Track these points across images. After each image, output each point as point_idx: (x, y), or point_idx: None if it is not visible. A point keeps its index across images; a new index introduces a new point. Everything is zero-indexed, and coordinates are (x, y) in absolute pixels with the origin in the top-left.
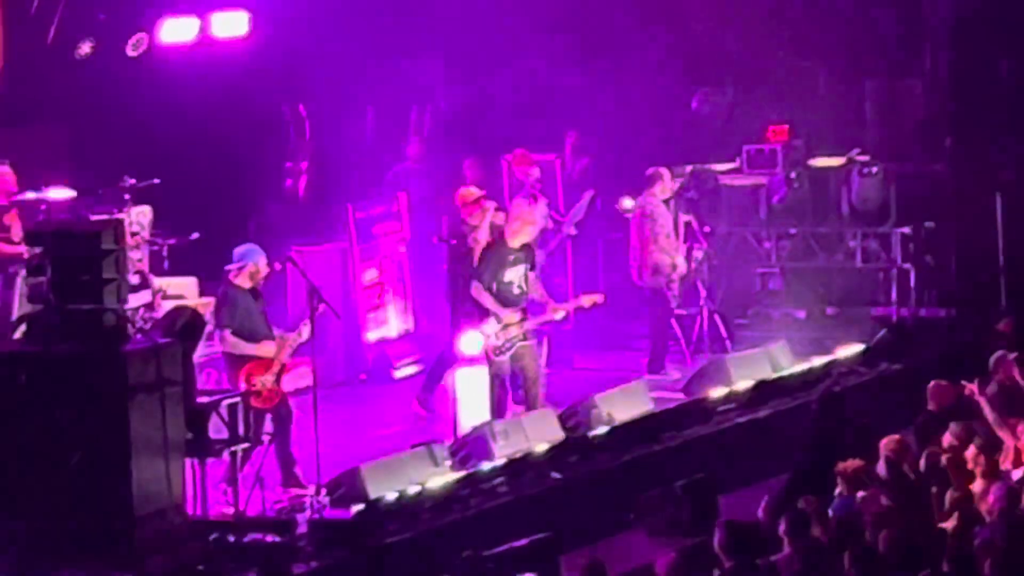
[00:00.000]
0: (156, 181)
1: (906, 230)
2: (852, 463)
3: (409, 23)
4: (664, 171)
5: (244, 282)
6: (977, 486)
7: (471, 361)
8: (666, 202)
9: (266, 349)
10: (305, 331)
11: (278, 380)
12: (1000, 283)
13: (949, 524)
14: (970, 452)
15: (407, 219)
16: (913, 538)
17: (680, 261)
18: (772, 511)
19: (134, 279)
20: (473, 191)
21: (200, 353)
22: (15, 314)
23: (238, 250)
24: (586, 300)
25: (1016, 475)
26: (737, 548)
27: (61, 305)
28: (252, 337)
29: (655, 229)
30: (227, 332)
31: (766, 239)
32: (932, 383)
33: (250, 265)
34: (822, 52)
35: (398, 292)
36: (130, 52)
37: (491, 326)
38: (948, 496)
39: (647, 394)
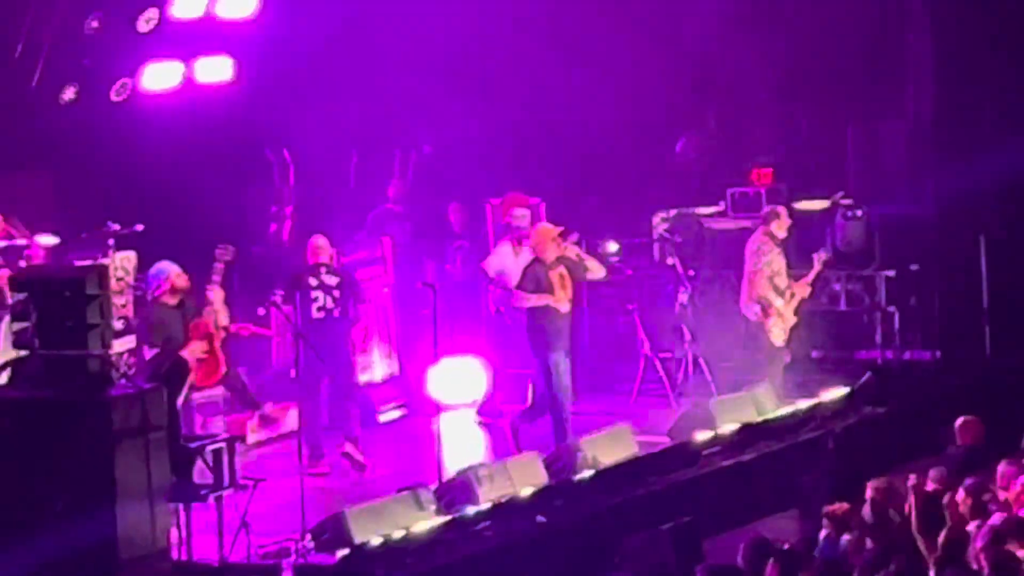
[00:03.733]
0: (140, 228)
1: (890, 273)
2: (840, 505)
3: (392, 67)
4: (781, 209)
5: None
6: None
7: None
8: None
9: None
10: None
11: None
12: (984, 325)
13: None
14: (959, 495)
15: (391, 263)
16: None
17: (780, 303)
18: (751, 555)
19: (118, 324)
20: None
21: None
22: None
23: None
24: None
25: (997, 519)
26: None
27: (46, 350)
28: None
29: (759, 265)
30: None
31: None
32: (960, 419)
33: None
34: (805, 95)
35: (383, 336)
36: (114, 97)
37: None
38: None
39: (632, 438)
